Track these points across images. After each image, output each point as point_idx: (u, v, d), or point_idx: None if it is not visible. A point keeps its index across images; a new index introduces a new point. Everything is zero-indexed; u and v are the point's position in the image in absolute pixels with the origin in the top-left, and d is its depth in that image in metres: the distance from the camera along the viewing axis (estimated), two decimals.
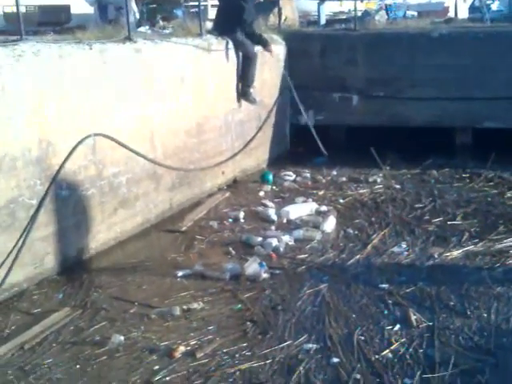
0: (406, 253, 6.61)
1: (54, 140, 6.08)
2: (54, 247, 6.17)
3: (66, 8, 14.93)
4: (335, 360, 4.53)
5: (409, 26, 15.05)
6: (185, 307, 5.39)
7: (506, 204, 8.08)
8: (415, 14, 23.69)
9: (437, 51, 10.94)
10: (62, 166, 6.05)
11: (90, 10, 14.78)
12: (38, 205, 5.78)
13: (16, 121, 5.67)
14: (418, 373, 4.33)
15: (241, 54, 9.24)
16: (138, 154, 6.98)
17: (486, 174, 9.33)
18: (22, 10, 6.82)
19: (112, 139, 6.63)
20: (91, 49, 6.61)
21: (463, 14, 20.93)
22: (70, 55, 6.33)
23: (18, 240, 5.55)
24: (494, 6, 25.00)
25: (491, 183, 9.06)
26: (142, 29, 11.03)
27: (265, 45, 9.62)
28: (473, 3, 23.59)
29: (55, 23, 12.17)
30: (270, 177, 9.53)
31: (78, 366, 4.54)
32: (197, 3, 11.27)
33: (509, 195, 8.43)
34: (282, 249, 6.71)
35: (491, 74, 10.69)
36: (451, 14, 19.28)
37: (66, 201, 6.28)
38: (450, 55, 10.85)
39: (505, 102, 10.62)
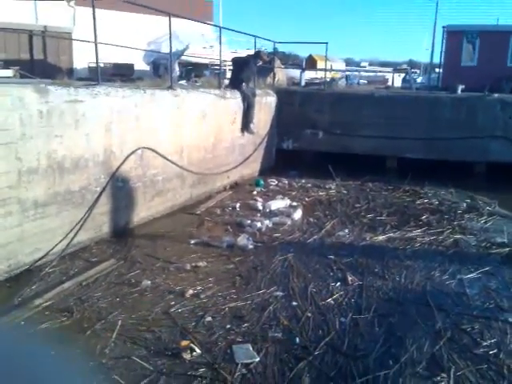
0: (347, 236, 6.50)
1: (115, 150, 6.00)
2: (109, 219, 6.07)
3: (131, 65, 14.89)
4: (294, 303, 4.45)
5: (360, 89, 15.14)
6: (194, 264, 5.30)
7: (416, 208, 7.94)
8: (366, 81, 23.70)
9: (377, 106, 10.87)
10: (119, 167, 6.03)
11: (147, 67, 14.73)
12: (101, 191, 5.74)
13: (91, 136, 5.61)
14: (350, 314, 4.26)
15: (245, 101, 9.16)
16: (171, 161, 6.91)
17: (404, 188, 9.18)
18: (101, 65, 6.76)
19: (154, 151, 6.58)
20: (145, 92, 6.56)
21: (398, 83, 20.94)
22: (130, 96, 6.26)
23: (85, 213, 5.54)
24: (419, 80, 25.08)
25: (407, 193, 8.91)
26: (181, 82, 10.99)
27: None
28: (405, 77, 23.63)
29: (123, 75, 12.04)
30: (261, 182, 9.37)
31: (117, 299, 4.46)
32: (218, 67, 11.18)
33: (418, 202, 8.29)
34: (263, 229, 6.60)
35: (412, 123, 10.57)
36: (390, 83, 19.19)
37: (120, 190, 6.18)
38: (386, 109, 10.76)
39: (420, 141, 10.54)
